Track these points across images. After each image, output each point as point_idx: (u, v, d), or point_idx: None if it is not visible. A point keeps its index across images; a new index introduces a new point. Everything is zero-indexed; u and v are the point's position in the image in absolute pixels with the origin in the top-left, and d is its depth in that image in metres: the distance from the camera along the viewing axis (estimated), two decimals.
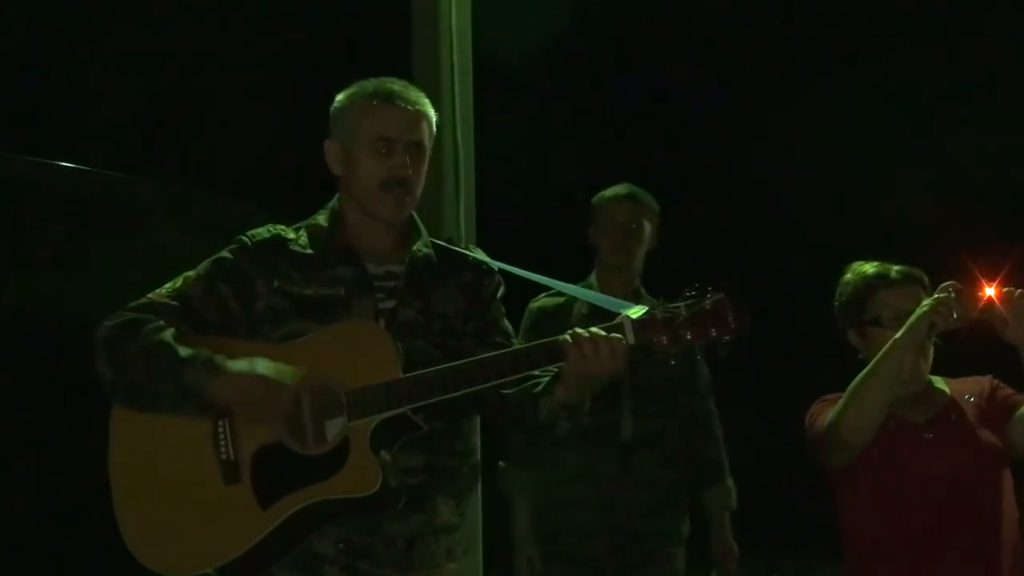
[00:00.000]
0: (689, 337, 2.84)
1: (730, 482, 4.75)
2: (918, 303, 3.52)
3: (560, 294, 4.53)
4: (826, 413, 3.57)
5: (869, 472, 3.55)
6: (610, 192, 4.74)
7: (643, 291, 4.65)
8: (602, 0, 14.58)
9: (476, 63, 4.90)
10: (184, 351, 2.90)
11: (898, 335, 3.46)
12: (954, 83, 14.17)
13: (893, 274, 3.64)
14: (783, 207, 15.27)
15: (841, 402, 3.52)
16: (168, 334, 2.93)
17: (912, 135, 14.60)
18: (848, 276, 3.72)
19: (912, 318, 3.45)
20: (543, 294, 4.63)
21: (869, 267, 3.69)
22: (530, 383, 2.97)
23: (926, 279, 3.65)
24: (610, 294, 4.12)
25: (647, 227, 4.69)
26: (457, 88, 4.78)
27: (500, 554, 4.69)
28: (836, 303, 3.72)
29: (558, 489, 4.57)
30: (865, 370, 3.49)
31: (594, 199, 4.77)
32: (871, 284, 3.64)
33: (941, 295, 3.44)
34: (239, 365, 2.88)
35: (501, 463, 4.68)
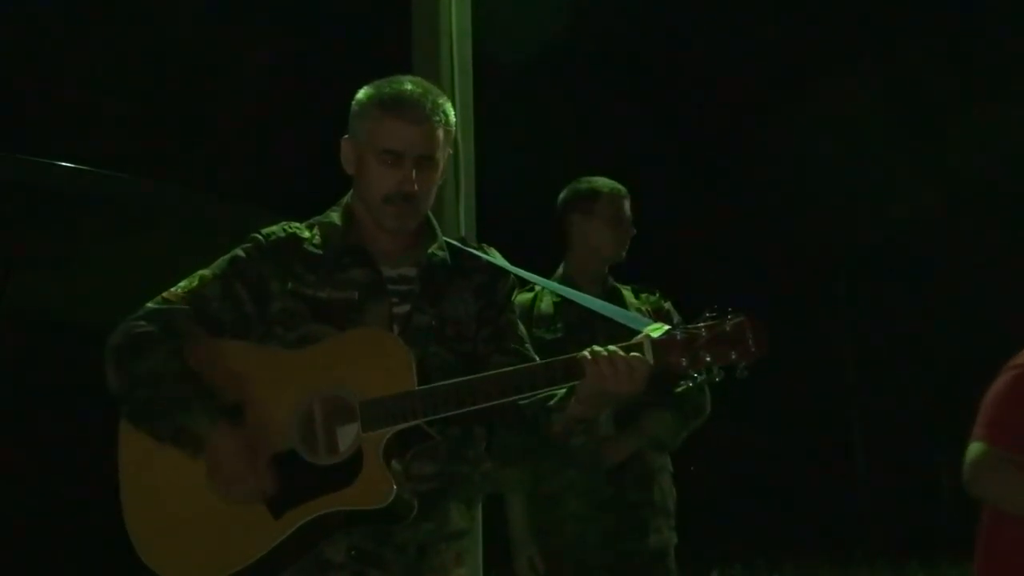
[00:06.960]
0: (708, 359, 2.76)
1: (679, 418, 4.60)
2: None
3: (530, 290, 4.45)
4: (977, 443, 3.56)
5: None
6: (607, 186, 4.61)
7: (610, 279, 4.62)
8: (602, 0, 14.56)
9: (476, 63, 4.89)
10: (192, 389, 2.87)
11: None
12: (953, 83, 14.15)
13: None
14: (782, 207, 15.24)
15: (981, 485, 3.54)
16: (178, 363, 2.89)
17: (913, 135, 14.58)
18: None
19: None
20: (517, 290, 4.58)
21: None
22: (544, 395, 2.93)
23: None
24: (583, 289, 4.08)
25: None
26: (457, 88, 4.77)
27: (500, 555, 4.68)
28: None
29: (549, 480, 4.56)
30: (1007, 489, 3.52)
31: (587, 188, 4.59)
32: None
33: None
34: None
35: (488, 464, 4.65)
